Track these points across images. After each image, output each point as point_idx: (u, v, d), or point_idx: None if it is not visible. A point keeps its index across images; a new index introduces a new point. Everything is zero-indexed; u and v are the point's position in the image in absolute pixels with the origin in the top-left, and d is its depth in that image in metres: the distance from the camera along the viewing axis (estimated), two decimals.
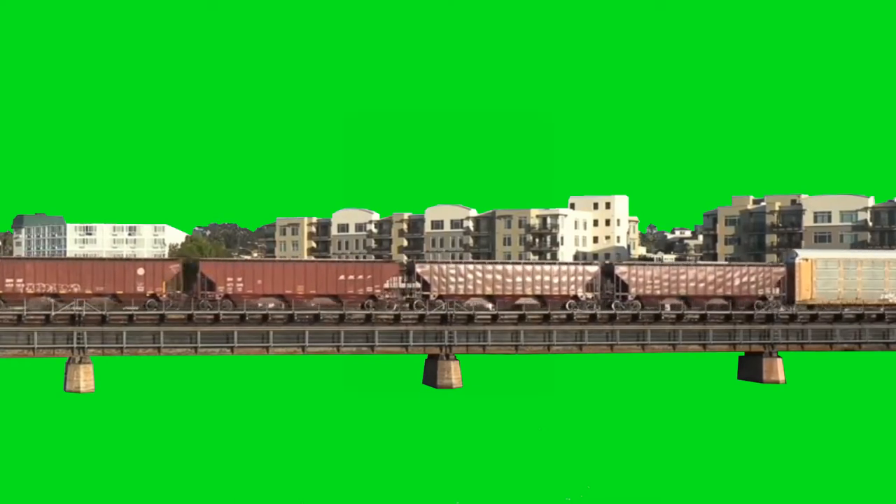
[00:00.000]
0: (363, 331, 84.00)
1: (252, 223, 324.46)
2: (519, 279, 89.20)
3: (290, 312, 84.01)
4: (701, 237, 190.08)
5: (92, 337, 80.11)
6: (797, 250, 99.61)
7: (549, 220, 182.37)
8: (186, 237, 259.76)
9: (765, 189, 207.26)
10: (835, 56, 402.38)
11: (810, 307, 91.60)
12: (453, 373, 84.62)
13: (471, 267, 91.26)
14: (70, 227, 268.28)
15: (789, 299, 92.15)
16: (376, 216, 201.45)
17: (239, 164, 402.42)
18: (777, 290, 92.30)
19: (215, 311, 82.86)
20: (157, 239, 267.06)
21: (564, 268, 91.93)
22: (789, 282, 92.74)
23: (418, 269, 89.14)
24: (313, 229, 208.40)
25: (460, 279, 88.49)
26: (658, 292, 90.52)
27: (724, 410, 78.16)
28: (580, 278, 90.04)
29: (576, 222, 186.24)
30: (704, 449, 61.86)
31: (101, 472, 54.06)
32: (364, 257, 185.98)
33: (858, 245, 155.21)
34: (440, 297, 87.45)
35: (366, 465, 55.71)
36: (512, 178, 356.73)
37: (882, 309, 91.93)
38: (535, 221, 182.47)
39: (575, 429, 68.61)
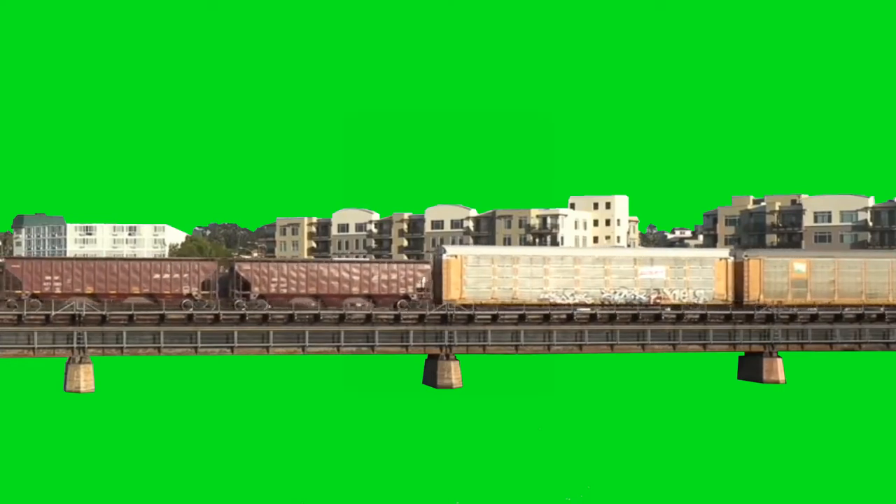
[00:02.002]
0: (363, 331, 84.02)
1: (252, 223, 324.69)
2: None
3: (290, 312, 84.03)
4: (701, 237, 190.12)
5: (92, 337, 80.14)
6: (446, 246, 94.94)
7: (549, 220, 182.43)
8: (186, 237, 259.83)
9: (765, 189, 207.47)
10: (835, 56, 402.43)
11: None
12: (453, 373, 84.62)
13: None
14: (70, 227, 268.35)
15: (437, 298, 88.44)
16: (376, 216, 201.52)
17: (239, 164, 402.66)
18: (423, 289, 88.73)
19: (215, 312, 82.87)
20: (157, 239, 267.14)
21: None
22: (436, 280, 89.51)
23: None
24: (313, 229, 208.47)
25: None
26: (286, 290, 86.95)
27: (724, 410, 78.16)
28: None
29: (576, 222, 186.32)
30: (704, 449, 61.86)
31: (101, 472, 54.07)
32: (364, 257, 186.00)
33: (858, 245, 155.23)
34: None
35: (366, 465, 55.71)
36: (512, 178, 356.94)
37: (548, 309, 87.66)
38: (535, 221, 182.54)
39: (575, 429, 68.61)
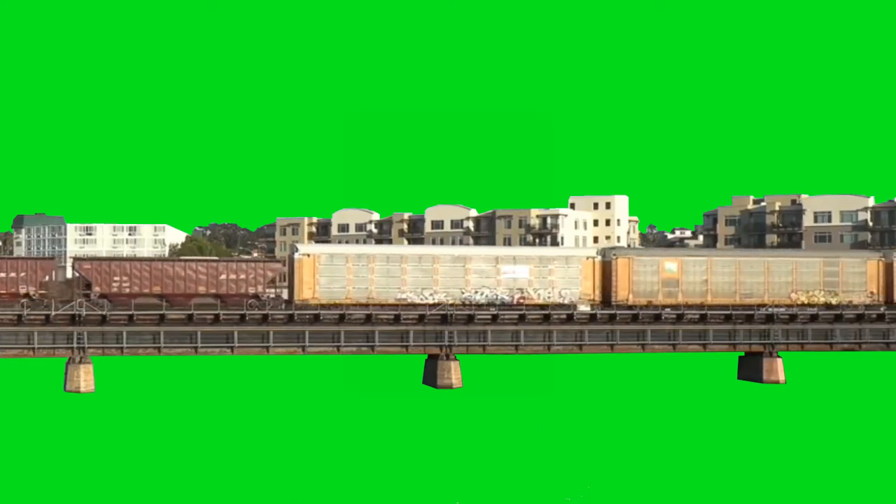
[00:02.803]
0: (363, 331, 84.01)
1: (252, 223, 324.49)
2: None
3: (290, 312, 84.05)
4: (701, 237, 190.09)
5: (92, 337, 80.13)
6: (300, 245, 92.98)
7: (549, 220, 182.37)
8: (186, 237, 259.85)
9: (765, 189, 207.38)
10: (835, 56, 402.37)
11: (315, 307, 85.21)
12: (453, 373, 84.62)
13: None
14: (70, 227, 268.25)
15: (290, 298, 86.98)
16: (376, 216, 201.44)
17: (239, 164, 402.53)
18: (273, 288, 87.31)
19: (215, 312, 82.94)
20: (157, 239, 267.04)
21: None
22: (290, 279, 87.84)
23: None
24: (313, 229, 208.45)
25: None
26: (129, 290, 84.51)
27: (724, 410, 78.15)
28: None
29: (576, 222, 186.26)
30: (704, 449, 61.86)
31: (101, 472, 54.07)
32: None
33: (858, 245, 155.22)
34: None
35: (366, 465, 55.71)
36: (512, 178, 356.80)
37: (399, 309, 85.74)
38: (535, 221, 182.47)
39: (575, 429, 68.61)
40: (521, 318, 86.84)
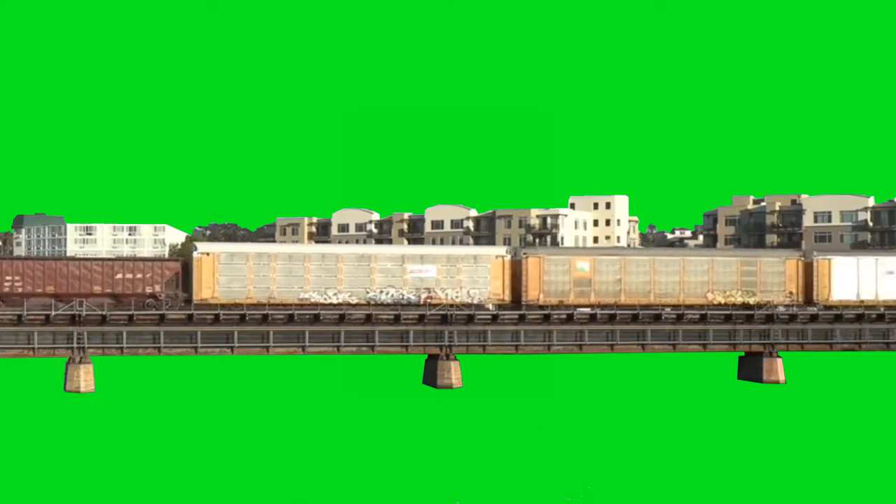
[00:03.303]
0: (363, 331, 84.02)
1: (252, 223, 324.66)
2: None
3: (290, 312, 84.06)
4: (701, 237, 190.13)
5: (92, 337, 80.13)
6: (198, 243, 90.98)
7: (549, 220, 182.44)
8: (186, 237, 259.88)
9: (765, 189, 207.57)
10: (835, 56, 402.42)
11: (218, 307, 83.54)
12: (453, 373, 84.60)
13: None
14: (70, 227, 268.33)
15: (189, 298, 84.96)
16: (376, 216, 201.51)
17: (239, 164, 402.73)
18: (172, 287, 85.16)
19: (215, 312, 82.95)
20: (157, 239, 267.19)
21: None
22: (186, 278, 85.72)
23: None
24: (313, 229, 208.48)
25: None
26: (21, 289, 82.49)
27: (724, 410, 78.15)
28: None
29: (576, 222, 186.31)
30: (704, 449, 61.86)
31: (101, 472, 54.06)
32: None
33: (859, 245, 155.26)
34: None
35: (366, 465, 55.70)
36: (512, 178, 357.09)
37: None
38: (535, 221, 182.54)
39: (575, 429, 68.61)
40: (521, 319, 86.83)
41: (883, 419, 72.72)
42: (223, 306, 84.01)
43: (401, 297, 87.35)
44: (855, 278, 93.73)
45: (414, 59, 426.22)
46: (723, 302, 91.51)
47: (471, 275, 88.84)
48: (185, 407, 77.50)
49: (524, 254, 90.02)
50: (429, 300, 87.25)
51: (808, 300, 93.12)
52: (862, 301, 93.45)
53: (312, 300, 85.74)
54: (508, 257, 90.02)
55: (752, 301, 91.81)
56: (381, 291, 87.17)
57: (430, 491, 49.77)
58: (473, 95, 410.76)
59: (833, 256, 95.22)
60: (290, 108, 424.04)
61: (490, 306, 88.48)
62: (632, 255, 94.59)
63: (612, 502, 48.14)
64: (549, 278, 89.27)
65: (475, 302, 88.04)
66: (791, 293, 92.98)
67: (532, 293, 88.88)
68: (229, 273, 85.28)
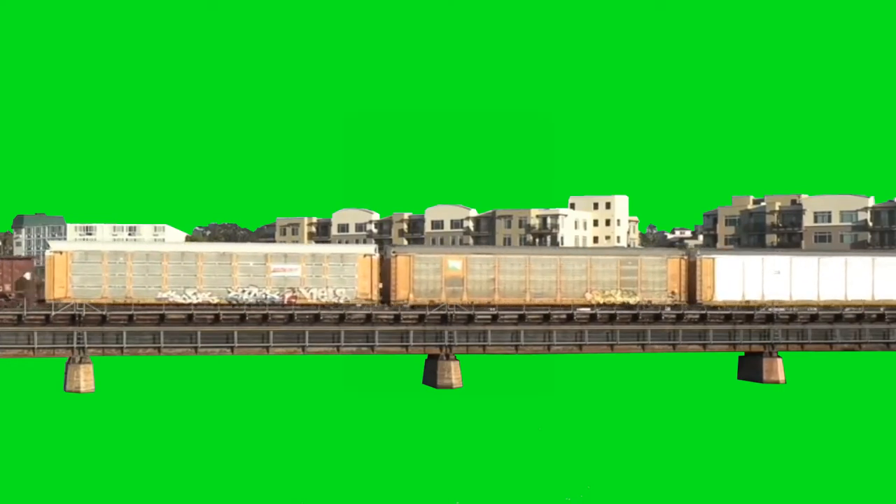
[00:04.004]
0: (363, 331, 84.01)
1: (252, 223, 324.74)
2: None
3: (290, 312, 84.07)
4: (701, 237, 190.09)
5: (92, 337, 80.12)
6: (52, 242, 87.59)
7: (549, 220, 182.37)
8: (186, 237, 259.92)
9: (765, 189, 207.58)
10: (835, 56, 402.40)
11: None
12: (453, 373, 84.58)
13: None
14: (70, 227, 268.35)
15: (42, 297, 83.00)
16: (376, 216, 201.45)
17: (239, 164, 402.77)
18: (26, 287, 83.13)
19: (215, 312, 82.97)
20: (157, 239, 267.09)
21: None
22: (43, 277, 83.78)
23: None
24: (313, 229, 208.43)
25: None
26: None
27: (724, 410, 78.14)
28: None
29: (576, 222, 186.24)
30: (704, 449, 61.85)
31: (101, 472, 54.06)
32: None
33: (859, 245, 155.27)
34: None
35: (366, 465, 55.70)
36: (512, 178, 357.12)
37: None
38: (535, 221, 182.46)
39: (575, 429, 68.60)
40: (521, 319, 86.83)
41: (883, 419, 72.72)
42: (80, 306, 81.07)
43: (264, 296, 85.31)
44: (740, 278, 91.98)
45: (414, 59, 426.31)
46: (601, 302, 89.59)
47: (337, 274, 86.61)
48: (185, 407, 77.50)
49: (393, 252, 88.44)
50: (293, 300, 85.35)
51: (692, 300, 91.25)
52: (747, 301, 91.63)
53: (171, 300, 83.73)
54: (377, 256, 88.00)
55: (632, 301, 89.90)
56: (244, 291, 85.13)
57: (430, 491, 49.77)
58: (473, 95, 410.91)
59: (717, 255, 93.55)
60: (290, 108, 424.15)
61: (359, 306, 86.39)
62: (506, 254, 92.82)
63: (612, 502, 48.13)
64: (419, 277, 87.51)
65: (342, 302, 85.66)
66: (674, 293, 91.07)
67: (401, 293, 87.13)
68: (83, 272, 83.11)
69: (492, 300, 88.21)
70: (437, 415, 74.48)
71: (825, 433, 67.60)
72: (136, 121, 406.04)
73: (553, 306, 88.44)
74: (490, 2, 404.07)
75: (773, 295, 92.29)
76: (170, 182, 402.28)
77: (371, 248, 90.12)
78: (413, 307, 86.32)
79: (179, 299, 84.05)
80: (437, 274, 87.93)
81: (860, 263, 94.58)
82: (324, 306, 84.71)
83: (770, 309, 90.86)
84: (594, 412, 76.00)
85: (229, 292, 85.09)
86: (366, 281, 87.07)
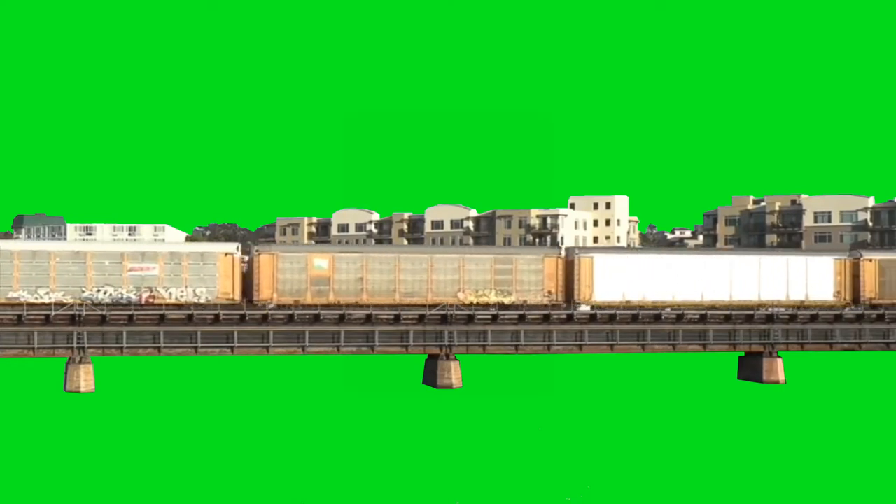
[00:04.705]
0: (363, 331, 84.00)
1: (252, 223, 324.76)
2: None
3: (290, 312, 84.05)
4: (701, 237, 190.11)
5: (92, 337, 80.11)
6: None
7: (549, 220, 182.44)
8: (186, 237, 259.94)
9: (765, 189, 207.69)
10: (835, 56, 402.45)
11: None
12: (453, 373, 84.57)
13: None
14: (70, 227, 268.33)
15: None
16: (376, 216, 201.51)
17: (239, 164, 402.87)
18: None
19: (215, 312, 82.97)
20: (157, 239, 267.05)
21: None
22: None
23: None
24: (313, 229, 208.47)
25: None
26: None
27: (724, 410, 78.14)
28: None
29: (576, 222, 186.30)
30: (704, 449, 61.85)
31: (101, 472, 54.06)
32: None
33: (858, 245, 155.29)
34: None
35: (366, 465, 55.70)
36: (512, 178, 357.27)
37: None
38: (535, 221, 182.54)
39: (575, 429, 68.60)
40: (521, 319, 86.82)
41: (883, 419, 72.72)
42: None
43: (120, 296, 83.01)
44: (620, 278, 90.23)
45: (414, 59, 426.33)
46: (475, 302, 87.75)
47: (197, 273, 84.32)
48: (185, 407, 77.49)
49: (256, 251, 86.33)
50: (151, 299, 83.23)
51: (570, 300, 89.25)
52: (628, 301, 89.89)
53: (22, 300, 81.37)
54: (238, 255, 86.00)
55: (506, 301, 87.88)
56: (98, 290, 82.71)
57: (430, 491, 49.77)
58: (473, 95, 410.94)
59: (596, 255, 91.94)
60: (289, 108, 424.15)
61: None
62: (374, 253, 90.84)
63: (612, 502, 48.13)
64: (283, 276, 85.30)
65: (202, 301, 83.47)
66: (550, 292, 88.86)
67: (265, 292, 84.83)
68: None
69: (360, 300, 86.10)
70: (437, 415, 74.48)
71: (825, 433, 67.60)
72: (136, 121, 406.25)
73: (422, 306, 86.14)
74: (490, 2, 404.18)
75: (656, 295, 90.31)
76: (170, 182, 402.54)
77: (233, 246, 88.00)
78: (278, 307, 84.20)
79: (31, 299, 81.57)
80: (303, 273, 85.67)
81: (746, 263, 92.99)
82: (181, 306, 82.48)
83: (770, 309, 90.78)
84: (594, 412, 76.00)
85: (83, 292, 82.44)
86: (227, 280, 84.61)
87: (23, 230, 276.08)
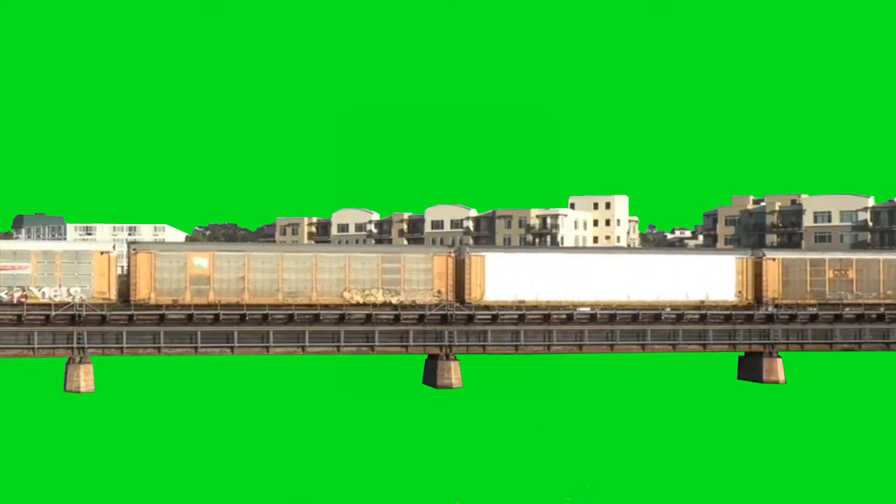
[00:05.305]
0: (363, 331, 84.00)
1: (252, 223, 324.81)
2: None
3: (290, 312, 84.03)
4: (701, 237, 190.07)
5: (92, 337, 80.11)
6: None
7: (549, 220, 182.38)
8: (186, 237, 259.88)
9: (765, 189, 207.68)
10: (835, 56, 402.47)
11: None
12: (453, 373, 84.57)
13: None
14: (70, 227, 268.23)
15: None
16: (376, 216, 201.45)
17: (239, 164, 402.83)
18: None
19: (215, 311, 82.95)
20: (157, 239, 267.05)
21: None
22: None
23: None
24: (313, 229, 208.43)
25: None
26: None
27: (724, 410, 78.15)
28: None
29: (576, 222, 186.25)
30: (704, 449, 61.86)
31: (101, 472, 54.06)
32: None
33: (858, 245, 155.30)
34: None
35: (366, 465, 55.70)
36: (512, 178, 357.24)
37: None
38: (535, 221, 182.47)
39: (575, 429, 68.61)
40: (521, 319, 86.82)
41: (883, 419, 72.73)
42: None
43: None
44: (512, 277, 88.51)
45: (414, 59, 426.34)
46: (361, 301, 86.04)
47: (72, 272, 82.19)
48: (185, 407, 77.49)
49: (134, 249, 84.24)
50: (22, 299, 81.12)
51: (461, 299, 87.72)
52: (521, 301, 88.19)
53: None
54: (115, 253, 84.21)
55: (394, 301, 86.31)
56: None
57: (430, 491, 49.77)
58: (473, 95, 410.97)
59: (487, 253, 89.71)
60: (289, 108, 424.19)
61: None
62: (256, 252, 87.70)
63: (612, 502, 48.14)
64: (161, 276, 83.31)
65: (77, 301, 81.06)
66: (440, 292, 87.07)
67: (142, 292, 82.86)
68: None
69: (241, 300, 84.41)
70: (437, 415, 74.49)
71: (825, 433, 67.61)
72: (135, 121, 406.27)
73: (307, 305, 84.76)
74: (490, 2, 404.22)
75: (548, 295, 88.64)
76: (170, 182, 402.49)
77: (108, 244, 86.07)
78: (157, 307, 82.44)
79: None
80: (182, 272, 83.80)
81: (645, 263, 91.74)
82: (57, 305, 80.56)
83: (770, 309, 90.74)
84: (594, 412, 76.00)
85: None
86: (103, 279, 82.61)
87: (23, 230, 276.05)
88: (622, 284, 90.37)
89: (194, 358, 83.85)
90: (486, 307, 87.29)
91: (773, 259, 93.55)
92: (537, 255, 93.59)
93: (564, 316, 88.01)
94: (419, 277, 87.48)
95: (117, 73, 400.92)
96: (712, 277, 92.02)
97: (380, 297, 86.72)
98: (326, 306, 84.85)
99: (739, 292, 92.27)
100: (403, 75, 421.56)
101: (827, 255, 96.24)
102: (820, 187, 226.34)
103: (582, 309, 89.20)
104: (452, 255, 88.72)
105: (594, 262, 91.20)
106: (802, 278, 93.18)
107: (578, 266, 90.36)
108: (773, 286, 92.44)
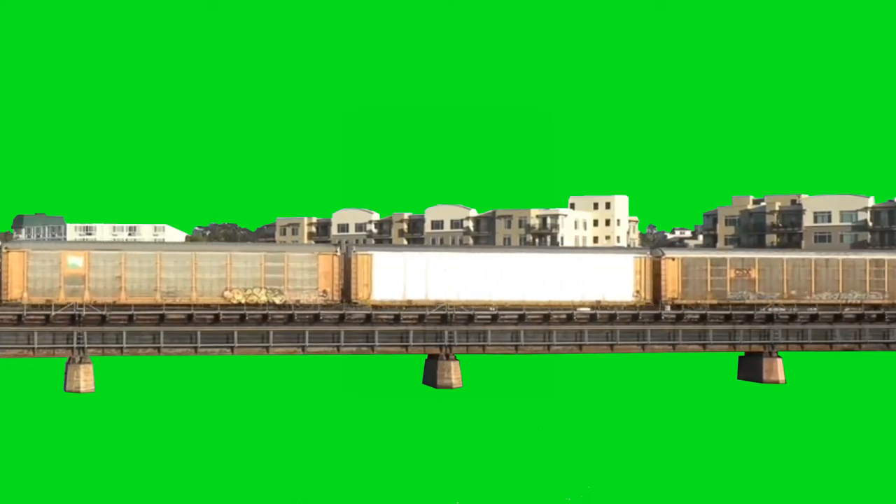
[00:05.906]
0: (363, 331, 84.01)
1: (252, 223, 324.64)
2: None
3: (290, 312, 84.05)
4: (701, 237, 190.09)
5: (92, 337, 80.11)
6: None
7: (549, 220, 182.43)
8: (186, 237, 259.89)
9: (765, 189, 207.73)
10: (835, 56, 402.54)
11: None
12: (453, 373, 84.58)
13: None
14: (70, 227, 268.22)
15: None
16: (376, 216, 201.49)
17: (239, 164, 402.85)
18: None
19: (215, 311, 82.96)
20: (157, 239, 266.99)
21: None
22: None
23: None
24: (313, 229, 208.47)
25: None
26: None
27: (724, 410, 78.16)
28: None
29: (576, 222, 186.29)
30: (704, 449, 61.86)
31: (101, 472, 54.07)
32: None
33: (858, 245, 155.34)
34: None
35: (366, 465, 55.71)
36: (512, 178, 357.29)
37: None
38: (535, 221, 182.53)
39: (575, 429, 68.61)
40: (521, 319, 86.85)
41: (883, 419, 72.74)
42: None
43: None
44: (402, 277, 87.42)
45: (414, 59, 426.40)
46: (243, 301, 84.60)
47: None
48: (185, 407, 77.50)
49: (5, 248, 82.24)
50: None
51: (347, 299, 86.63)
52: (410, 301, 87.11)
53: None
54: (5, 251, 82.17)
55: (277, 300, 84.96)
56: None
57: (430, 491, 49.78)
58: (473, 95, 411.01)
59: (374, 252, 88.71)
60: (289, 108, 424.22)
61: None
62: (133, 250, 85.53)
63: (612, 502, 48.14)
64: (34, 275, 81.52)
65: None
66: (325, 291, 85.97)
67: (14, 292, 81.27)
68: None
69: (118, 300, 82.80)
70: (437, 415, 74.49)
71: (825, 433, 67.61)
72: (135, 121, 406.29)
73: (186, 305, 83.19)
74: (490, 2, 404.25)
75: (439, 295, 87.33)
76: (170, 182, 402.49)
77: None
78: (31, 307, 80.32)
79: None
80: (56, 272, 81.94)
81: (540, 262, 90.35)
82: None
83: (770, 309, 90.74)
84: (594, 412, 76.01)
85: None
86: None
87: (23, 230, 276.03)
88: (517, 284, 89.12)
89: (194, 358, 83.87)
90: (376, 307, 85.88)
91: (672, 258, 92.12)
92: (427, 253, 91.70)
93: (564, 316, 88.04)
94: (303, 277, 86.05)
95: (117, 73, 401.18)
96: (609, 277, 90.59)
97: (262, 297, 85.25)
98: (207, 306, 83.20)
99: (637, 292, 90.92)
100: (403, 76, 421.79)
101: (728, 255, 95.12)
102: (820, 187, 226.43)
103: (582, 309, 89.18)
104: (339, 254, 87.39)
105: (488, 262, 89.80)
106: (703, 278, 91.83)
107: (471, 265, 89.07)
108: (672, 286, 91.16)
